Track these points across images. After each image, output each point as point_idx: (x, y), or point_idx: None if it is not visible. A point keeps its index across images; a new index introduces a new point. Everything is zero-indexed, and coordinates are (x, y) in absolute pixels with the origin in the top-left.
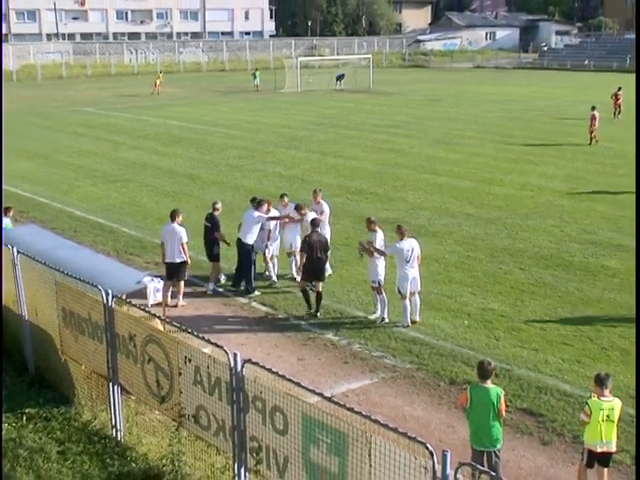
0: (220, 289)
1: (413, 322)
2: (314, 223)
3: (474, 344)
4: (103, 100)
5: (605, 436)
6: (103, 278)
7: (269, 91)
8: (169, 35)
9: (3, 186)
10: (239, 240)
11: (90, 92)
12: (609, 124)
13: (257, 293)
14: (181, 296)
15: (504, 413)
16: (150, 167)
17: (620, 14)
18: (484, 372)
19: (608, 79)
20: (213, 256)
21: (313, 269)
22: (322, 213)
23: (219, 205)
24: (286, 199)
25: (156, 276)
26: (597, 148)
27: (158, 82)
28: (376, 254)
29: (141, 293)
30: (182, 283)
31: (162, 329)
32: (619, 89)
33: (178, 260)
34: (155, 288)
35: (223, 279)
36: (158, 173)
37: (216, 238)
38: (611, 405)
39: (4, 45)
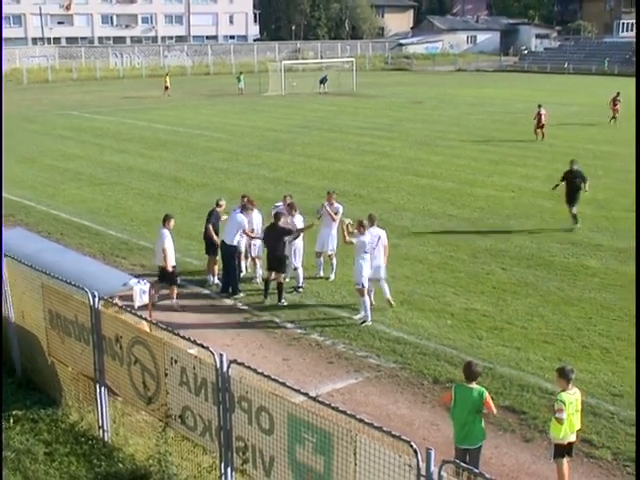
0: (207, 291)
1: (390, 304)
2: (276, 217)
3: (457, 343)
4: (88, 103)
5: (573, 427)
6: (89, 280)
7: (253, 94)
8: (154, 39)
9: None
10: (223, 242)
11: (76, 96)
12: (591, 127)
13: (242, 295)
14: (175, 299)
15: (494, 409)
16: (135, 170)
17: (598, 18)
18: (471, 373)
19: (587, 82)
20: (208, 250)
21: (269, 260)
22: (336, 214)
23: (222, 202)
24: (288, 199)
25: (142, 278)
26: (577, 150)
27: (168, 84)
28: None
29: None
30: (174, 287)
31: (148, 331)
32: (618, 94)
33: (161, 264)
34: (141, 290)
35: (215, 282)
36: (143, 176)
37: (215, 233)
38: (576, 397)
39: None
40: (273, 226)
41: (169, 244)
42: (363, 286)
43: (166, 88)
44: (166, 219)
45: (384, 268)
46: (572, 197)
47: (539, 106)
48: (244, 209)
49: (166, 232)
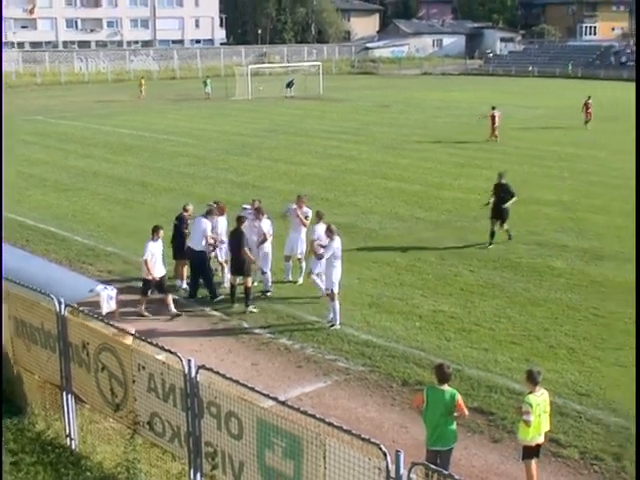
0: (175, 296)
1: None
2: (238, 220)
3: (425, 345)
4: (53, 108)
5: (540, 429)
6: (56, 287)
7: (220, 99)
8: (119, 43)
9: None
10: (189, 249)
11: (40, 100)
12: (556, 129)
13: (222, 297)
14: (142, 306)
15: (467, 412)
16: (101, 175)
17: (561, 22)
18: (443, 375)
19: (552, 84)
20: (179, 254)
21: (232, 264)
22: (306, 218)
23: (190, 207)
24: (256, 204)
25: (109, 284)
26: (542, 152)
27: (142, 88)
28: (320, 253)
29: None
30: (144, 296)
31: (130, 342)
32: (589, 98)
33: (145, 276)
34: (108, 296)
35: (184, 286)
36: (110, 181)
37: (183, 237)
38: (543, 398)
39: None
40: (236, 230)
41: (150, 256)
42: (333, 291)
43: (141, 91)
44: (154, 230)
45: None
46: (498, 212)
47: (493, 108)
48: (208, 214)
49: (149, 244)
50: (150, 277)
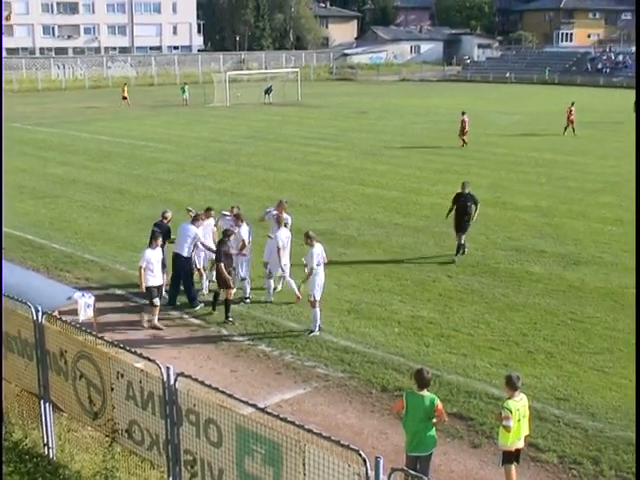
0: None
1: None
2: (225, 233)
3: (404, 351)
4: (30, 115)
5: (520, 434)
6: (33, 295)
7: (198, 105)
8: (97, 50)
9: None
10: (176, 254)
11: (17, 107)
12: (533, 135)
13: (202, 305)
14: (145, 315)
15: (446, 418)
16: (79, 182)
17: (538, 28)
18: (423, 381)
19: (529, 91)
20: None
21: (217, 276)
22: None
23: (168, 214)
24: (235, 210)
25: (87, 291)
26: (519, 158)
27: (126, 94)
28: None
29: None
30: (150, 307)
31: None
32: (572, 104)
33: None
34: (86, 304)
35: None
36: (88, 188)
37: (162, 244)
38: (523, 403)
39: None
40: (221, 242)
41: (145, 264)
42: (315, 299)
43: (124, 98)
44: (152, 238)
45: (289, 266)
46: (461, 223)
47: (463, 113)
48: (194, 220)
49: (147, 252)
50: (143, 286)
